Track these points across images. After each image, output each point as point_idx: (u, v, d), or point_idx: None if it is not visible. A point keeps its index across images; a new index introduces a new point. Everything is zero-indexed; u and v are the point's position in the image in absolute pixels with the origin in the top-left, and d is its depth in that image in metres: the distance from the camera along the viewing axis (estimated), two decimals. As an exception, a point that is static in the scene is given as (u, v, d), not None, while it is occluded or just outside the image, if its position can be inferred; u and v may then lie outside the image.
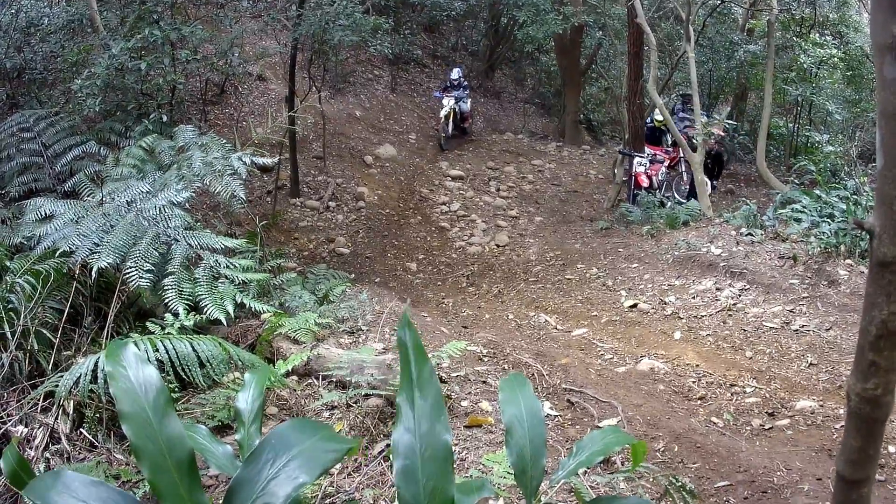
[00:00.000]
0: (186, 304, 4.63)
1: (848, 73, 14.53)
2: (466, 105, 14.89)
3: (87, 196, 5.72)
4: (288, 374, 4.49)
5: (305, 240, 10.50)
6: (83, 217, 5.10)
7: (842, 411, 4.81)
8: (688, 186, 11.06)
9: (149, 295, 5.12)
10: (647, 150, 11.61)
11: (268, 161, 6.02)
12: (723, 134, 11.76)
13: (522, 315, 7.50)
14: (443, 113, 14.33)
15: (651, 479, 3.28)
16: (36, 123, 6.82)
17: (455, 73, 14.77)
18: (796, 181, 10.35)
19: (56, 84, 8.66)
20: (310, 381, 4.56)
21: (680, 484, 2.62)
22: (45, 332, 4.29)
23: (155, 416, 1.40)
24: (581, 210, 12.06)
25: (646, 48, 11.52)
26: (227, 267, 5.12)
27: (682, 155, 11.45)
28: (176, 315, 4.50)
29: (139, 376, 1.45)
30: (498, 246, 10.58)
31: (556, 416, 4.38)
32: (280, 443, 1.42)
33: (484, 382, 4.73)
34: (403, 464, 1.42)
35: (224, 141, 6.25)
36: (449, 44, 19.00)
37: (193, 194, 5.73)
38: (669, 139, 12.69)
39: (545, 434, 1.79)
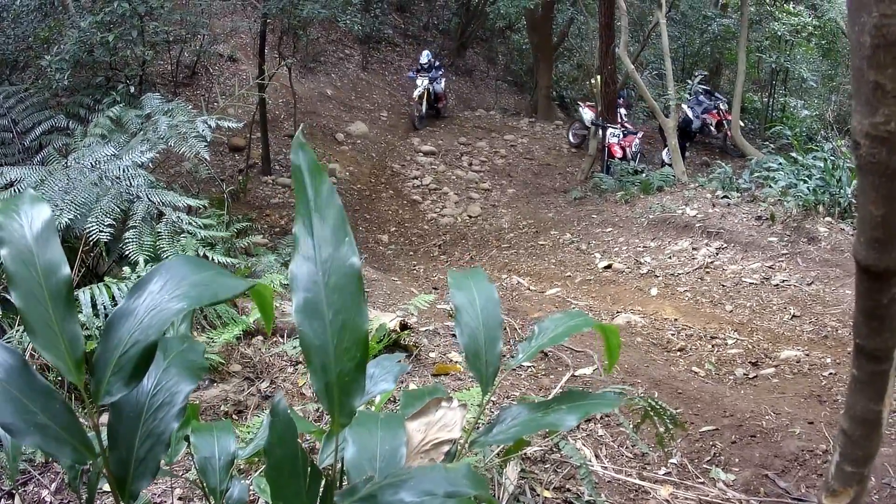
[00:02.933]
0: (147, 256, 4.43)
1: (823, 43, 14.36)
2: (440, 85, 14.50)
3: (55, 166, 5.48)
4: (253, 334, 4.33)
5: (277, 216, 10.21)
6: (46, 179, 4.87)
7: (829, 360, 4.61)
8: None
9: (111, 262, 4.93)
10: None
11: (232, 124, 5.79)
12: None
13: (495, 278, 7.24)
14: (416, 93, 13.94)
15: (629, 408, 3.02)
16: (5, 101, 6.59)
17: (424, 57, 14.32)
18: (772, 146, 10.16)
19: (28, 66, 8.36)
20: (275, 339, 4.37)
21: (660, 407, 2.36)
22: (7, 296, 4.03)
23: (37, 242, 1.20)
24: (554, 182, 11.82)
25: (617, 22, 11.25)
26: (190, 223, 4.92)
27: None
28: (135, 266, 4.27)
29: (28, 211, 1.25)
30: (470, 217, 10.32)
31: (529, 366, 4.13)
32: (169, 273, 1.16)
33: (453, 335, 4.47)
34: (304, 297, 1.15)
35: (190, 107, 6.03)
36: (420, 23, 18.64)
37: (157, 154, 5.55)
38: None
39: (501, 318, 1.52)
